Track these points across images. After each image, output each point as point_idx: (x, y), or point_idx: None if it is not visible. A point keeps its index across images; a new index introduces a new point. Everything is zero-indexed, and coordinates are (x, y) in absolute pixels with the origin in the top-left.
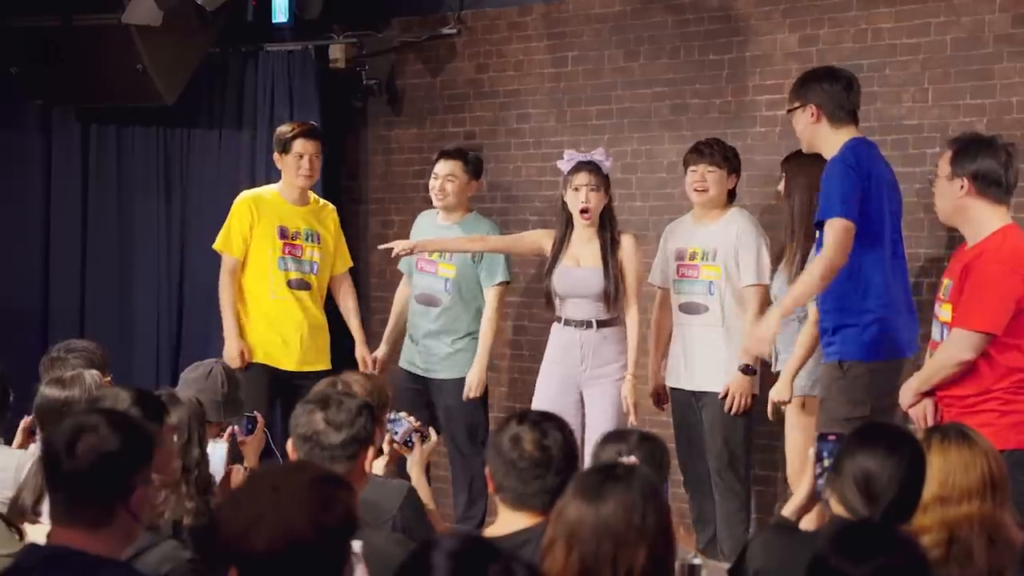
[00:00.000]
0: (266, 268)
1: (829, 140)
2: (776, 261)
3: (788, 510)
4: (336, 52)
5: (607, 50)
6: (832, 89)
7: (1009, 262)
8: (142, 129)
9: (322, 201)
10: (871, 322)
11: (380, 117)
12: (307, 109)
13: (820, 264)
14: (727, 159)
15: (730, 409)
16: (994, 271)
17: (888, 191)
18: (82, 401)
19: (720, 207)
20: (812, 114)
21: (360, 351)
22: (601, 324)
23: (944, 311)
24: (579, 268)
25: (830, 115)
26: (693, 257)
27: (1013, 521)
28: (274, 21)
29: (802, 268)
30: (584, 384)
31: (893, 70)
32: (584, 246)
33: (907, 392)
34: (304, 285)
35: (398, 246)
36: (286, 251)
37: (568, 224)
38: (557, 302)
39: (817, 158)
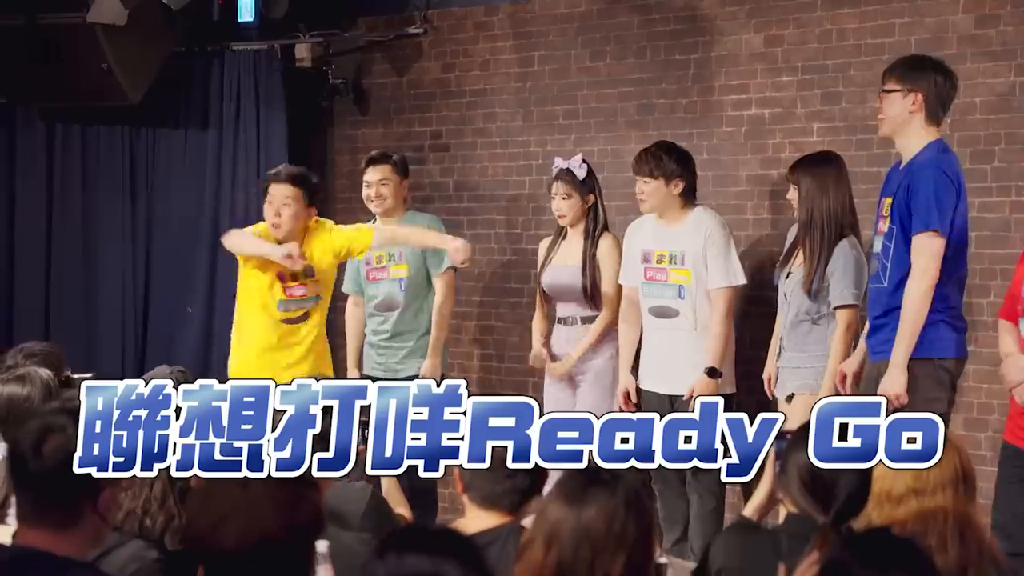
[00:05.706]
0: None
1: (917, 135)
2: (783, 262)
3: (749, 509)
4: (302, 51)
5: (573, 50)
6: (944, 83)
7: None
8: (107, 128)
9: (311, 223)
10: (931, 323)
11: (346, 116)
12: (273, 109)
13: (924, 282)
14: (660, 167)
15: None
16: None
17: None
18: (36, 399)
19: (677, 208)
20: (914, 102)
21: None
22: (586, 320)
23: None
24: (565, 267)
25: (930, 109)
26: (660, 260)
27: (979, 515)
28: (240, 20)
29: (823, 271)
30: (576, 375)
31: (858, 70)
32: (572, 247)
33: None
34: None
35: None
36: (287, 293)
37: (563, 227)
38: (550, 305)
39: (823, 159)
